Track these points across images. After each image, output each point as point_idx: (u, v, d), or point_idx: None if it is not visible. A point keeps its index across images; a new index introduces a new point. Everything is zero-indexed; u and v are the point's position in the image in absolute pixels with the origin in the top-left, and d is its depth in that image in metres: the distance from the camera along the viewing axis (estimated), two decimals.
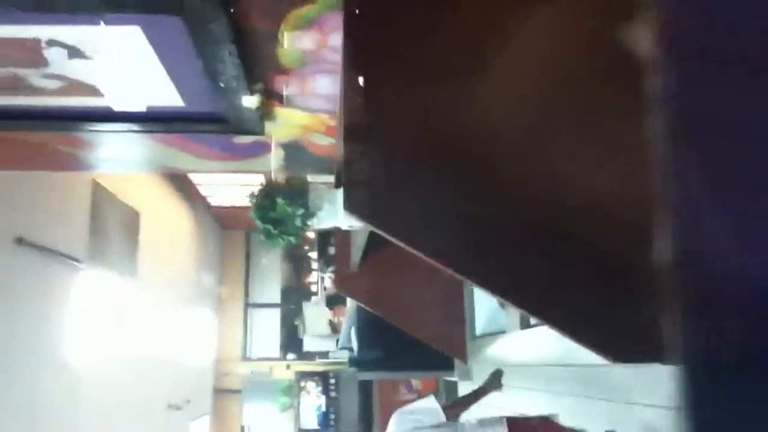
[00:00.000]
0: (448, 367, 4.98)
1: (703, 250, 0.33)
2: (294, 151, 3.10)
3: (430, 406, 3.63)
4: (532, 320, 3.34)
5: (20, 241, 4.60)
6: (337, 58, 2.12)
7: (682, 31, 0.33)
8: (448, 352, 4.74)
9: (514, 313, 3.68)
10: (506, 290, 1.66)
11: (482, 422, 3.46)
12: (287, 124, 2.82)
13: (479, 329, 4.48)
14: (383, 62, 1.75)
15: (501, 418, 3.57)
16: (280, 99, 2.60)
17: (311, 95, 2.56)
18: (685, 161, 0.33)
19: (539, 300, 1.62)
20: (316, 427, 8.23)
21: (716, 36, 0.33)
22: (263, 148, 3.04)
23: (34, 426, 4.82)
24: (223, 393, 11.44)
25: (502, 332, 3.99)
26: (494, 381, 3.90)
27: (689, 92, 0.33)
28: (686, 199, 0.33)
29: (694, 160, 0.33)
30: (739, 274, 0.33)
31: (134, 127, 2.85)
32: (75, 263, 5.55)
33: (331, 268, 7.54)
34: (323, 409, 9.01)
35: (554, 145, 1.62)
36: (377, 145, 1.70)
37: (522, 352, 3.76)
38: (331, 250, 8.70)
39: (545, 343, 3.21)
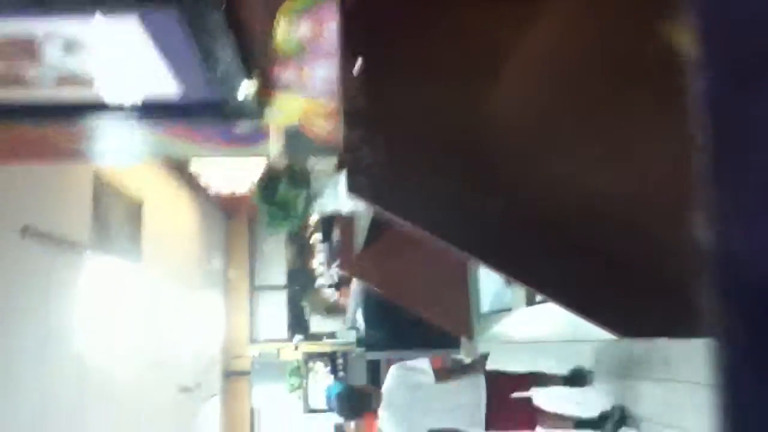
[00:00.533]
0: (455, 345, 5.01)
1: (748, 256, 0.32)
2: (294, 137, 3.09)
3: (424, 367, 3.98)
4: (538, 297, 3.36)
5: (26, 229, 4.63)
6: (335, 43, 2.11)
7: (725, 30, 0.33)
8: (453, 331, 4.77)
9: (519, 291, 3.69)
10: (511, 267, 1.66)
11: (467, 380, 3.80)
12: (286, 109, 2.80)
13: (485, 307, 4.50)
14: (381, 42, 1.74)
15: (480, 375, 3.89)
16: (278, 86, 2.59)
17: (309, 80, 2.55)
18: (730, 167, 0.33)
19: (545, 276, 1.63)
20: (324, 407, 8.29)
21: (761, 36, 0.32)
22: (263, 135, 3.03)
23: (43, 412, 4.88)
24: (232, 375, 11.55)
25: (508, 310, 4.00)
26: (481, 362, 4.21)
27: (732, 95, 0.33)
28: (732, 206, 0.32)
29: (739, 166, 0.33)
30: None
31: (131, 117, 2.84)
32: (80, 251, 5.58)
33: (336, 263, 7.52)
34: (334, 390, 9.05)
35: (569, 123, 1.62)
36: (378, 128, 1.70)
37: (528, 328, 3.78)
38: (335, 236, 8.70)
39: (551, 319, 3.23)
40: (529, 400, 4.20)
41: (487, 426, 3.88)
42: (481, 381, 4.00)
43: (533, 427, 4.13)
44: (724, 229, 0.32)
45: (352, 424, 4.13)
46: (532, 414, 4.13)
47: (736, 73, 0.31)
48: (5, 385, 4.42)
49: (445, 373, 4.10)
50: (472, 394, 3.91)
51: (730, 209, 0.32)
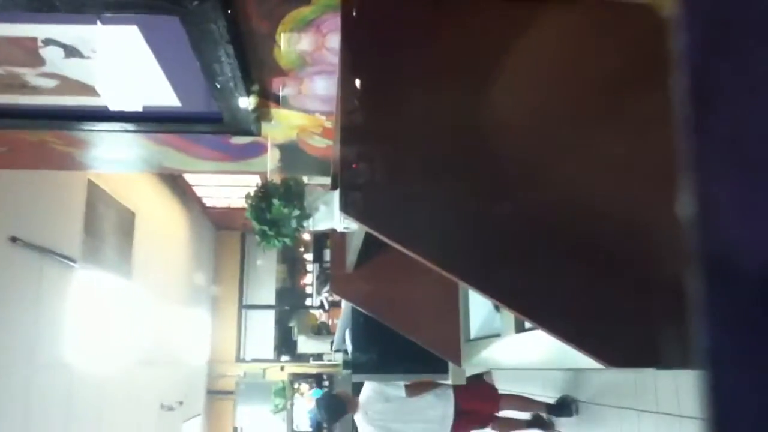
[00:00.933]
0: (443, 370, 4.97)
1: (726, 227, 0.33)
2: (290, 152, 3.10)
3: (396, 383, 4.28)
4: (527, 324, 3.34)
5: (14, 240, 4.59)
6: (335, 59, 2.12)
7: None
8: (442, 355, 4.73)
9: (509, 317, 3.68)
10: (501, 293, 1.66)
11: (436, 394, 4.16)
12: (284, 125, 2.82)
13: (474, 332, 4.48)
14: (381, 64, 1.75)
15: (449, 386, 4.21)
16: (276, 100, 2.60)
17: (308, 96, 2.57)
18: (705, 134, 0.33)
19: (535, 304, 1.63)
20: (308, 429, 8.21)
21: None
22: (259, 149, 3.04)
23: (27, 423, 4.80)
24: (216, 394, 11.43)
25: (497, 335, 3.98)
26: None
27: (712, 55, 0.33)
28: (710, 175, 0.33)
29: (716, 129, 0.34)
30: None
31: (130, 126, 2.85)
32: (69, 263, 5.54)
33: (326, 289, 7.67)
34: (317, 415, 8.98)
35: (558, 149, 1.63)
36: (374, 146, 1.70)
37: (517, 355, 3.76)
38: (327, 254, 8.72)
39: (540, 346, 3.22)
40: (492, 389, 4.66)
41: None
42: (449, 394, 4.33)
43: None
44: (703, 197, 0.33)
45: None
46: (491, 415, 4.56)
47: (715, 34, 0.32)
48: None
49: (416, 387, 4.38)
50: (441, 407, 4.30)
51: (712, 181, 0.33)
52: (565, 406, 4.38)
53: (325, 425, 7.68)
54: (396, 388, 4.35)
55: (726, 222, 0.32)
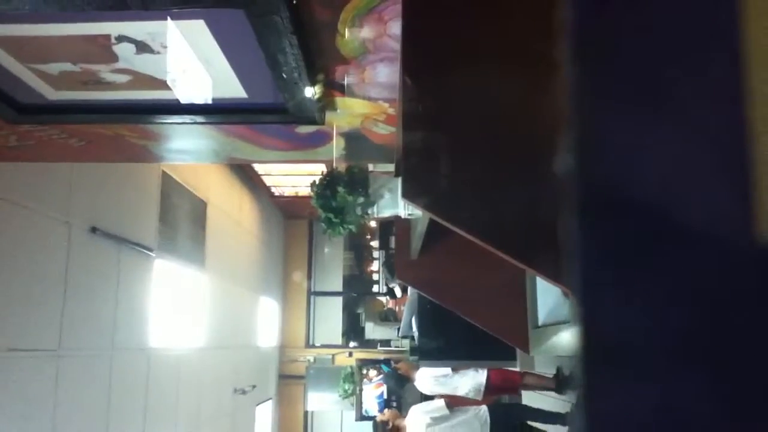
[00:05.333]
0: (510, 356, 4.93)
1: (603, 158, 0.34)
2: (354, 140, 3.12)
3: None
4: None
5: (94, 230, 4.80)
6: (397, 46, 2.12)
7: None
8: (509, 342, 4.69)
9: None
10: (565, 278, 1.63)
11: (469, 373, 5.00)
12: (348, 113, 2.84)
13: (542, 319, 4.42)
14: (443, 50, 1.74)
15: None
16: (340, 88, 2.62)
17: (371, 84, 2.57)
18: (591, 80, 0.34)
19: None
20: (377, 413, 8.31)
21: None
22: (325, 138, 3.07)
23: (109, 404, 5.05)
24: (287, 379, 11.69)
25: (566, 322, 3.92)
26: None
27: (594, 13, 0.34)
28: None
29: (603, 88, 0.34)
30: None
31: (200, 118, 2.93)
32: (146, 252, 5.76)
33: (396, 282, 7.92)
34: (384, 396, 9.08)
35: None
36: (436, 133, 1.70)
37: None
38: (393, 241, 8.76)
39: None
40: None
41: None
42: (484, 372, 5.12)
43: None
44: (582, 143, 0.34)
45: (387, 411, 5.07)
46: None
47: None
48: (82, 365, 4.62)
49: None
50: (477, 378, 5.11)
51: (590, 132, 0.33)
52: (562, 378, 4.92)
53: (393, 396, 8.42)
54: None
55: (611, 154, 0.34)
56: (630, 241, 0.33)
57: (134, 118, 3.00)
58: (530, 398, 5.87)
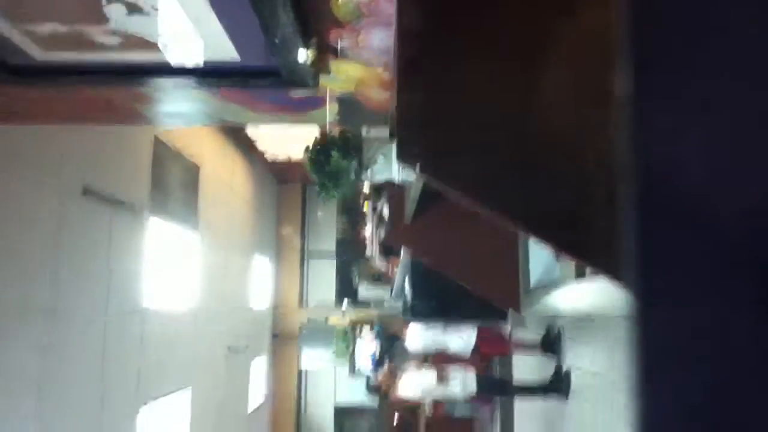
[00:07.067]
0: (502, 316, 5.01)
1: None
2: (349, 104, 3.11)
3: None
4: (588, 271, 3.32)
5: (86, 192, 4.79)
6: (392, 9, 2.11)
7: None
8: (501, 304, 4.76)
9: (569, 264, 3.66)
10: (561, 241, 1.65)
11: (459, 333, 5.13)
12: (342, 77, 2.82)
13: (534, 281, 4.48)
14: (437, 14, 1.73)
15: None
16: (334, 52, 2.60)
17: (366, 48, 2.56)
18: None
19: (596, 251, 1.62)
20: (370, 371, 8.45)
21: None
22: (318, 102, 3.06)
23: (103, 365, 5.11)
24: (281, 338, 11.83)
25: (557, 283, 3.98)
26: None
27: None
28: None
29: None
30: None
31: (192, 81, 2.91)
32: (140, 214, 5.76)
33: (385, 234, 7.96)
34: (377, 354, 9.22)
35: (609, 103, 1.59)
36: (430, 97, 1.70)
37: (577, 302, 3.76)
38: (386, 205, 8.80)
39: (601, 293, 3.20)
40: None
41: None
42: (473, 332, 5.30)
43: None
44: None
45: (380, 372, 5.25)
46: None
47: None
48: (75, 324, 4.67)
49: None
50: (466, 337, 5.30)
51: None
52: (551, 338, 5.00)
53: (386, 354, 8.60)
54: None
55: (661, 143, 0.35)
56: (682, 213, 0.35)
57: (126, 81, 2.98)
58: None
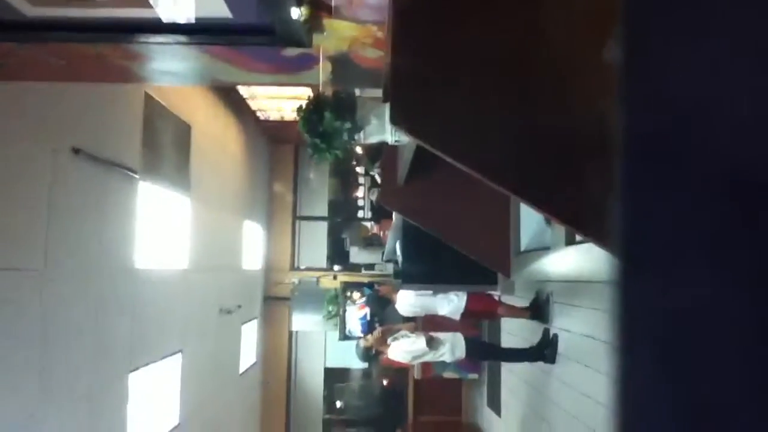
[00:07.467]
0: (492, 281, 5.05)
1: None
2: (342, 63, 3.08)
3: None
4: (578, 237, 3.35)
5: (77, 151, 4.75)
6: None
7: None
8: (491, 267, 4.80)
9: (559, 230, 3.68)
10: (552, 206, 1.66)
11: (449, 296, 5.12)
12: (335, 36, 2.79)
13: (524, 245, 4.51)
14: None
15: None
16: (328, 10, 2.57)
17: (360, 6, 2.52)
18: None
19: (585, 217, 1.63)
20: (360, 335, 8.54)
21: None
22: (311, 61, 3.03)
23: (97, 323, 5.14)
24: (272, 300, 11.90)
25: (547, 248, 4.01)
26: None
27: None
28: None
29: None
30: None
31: (183, 38, 2.87)
32: (131, 174, 5.73)
33: (377, 169, 7.85)
34: (368, 317, 9.32)
35: (596, 68, 1.58)
36: (426, 58, 1.68)
37: (566, 266, 3.79)
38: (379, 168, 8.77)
39: (590, 258, 3.23)
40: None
41: None
42: (463, 295, 5.19)
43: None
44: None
45: (370, 336, 5.27)
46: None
47: None
48: (69, 285, 4.68)
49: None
50: (456, 301, 5.21)
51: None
52: (540, 302, 4.98)
53: (376, 317, 8.72)
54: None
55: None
56: (671, 142, 0.35)
57: (116, 37, 2.93)
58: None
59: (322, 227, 12.72)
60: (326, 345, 12.07)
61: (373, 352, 5.18)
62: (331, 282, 11.63)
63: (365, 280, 11.16)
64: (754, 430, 0.33)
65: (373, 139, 2.53)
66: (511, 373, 6.56)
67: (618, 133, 0.37)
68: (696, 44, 0.35)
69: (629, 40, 0.36)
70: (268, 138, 11.83)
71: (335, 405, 13.04)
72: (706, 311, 0.34)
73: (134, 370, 5.87)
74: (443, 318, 5.47)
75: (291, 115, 9.67)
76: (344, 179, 13.51)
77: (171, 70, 3.48)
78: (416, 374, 8.81)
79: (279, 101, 9.77)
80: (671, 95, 0.35)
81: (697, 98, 0.35)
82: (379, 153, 6.30)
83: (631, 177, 0.37)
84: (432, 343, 5.06)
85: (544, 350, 4.92)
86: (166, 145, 6.88)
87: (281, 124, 10.69)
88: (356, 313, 9.88)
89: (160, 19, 2.78)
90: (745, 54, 0.34)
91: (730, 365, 0.34)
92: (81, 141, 4.83)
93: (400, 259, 5.39)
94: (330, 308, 10.81)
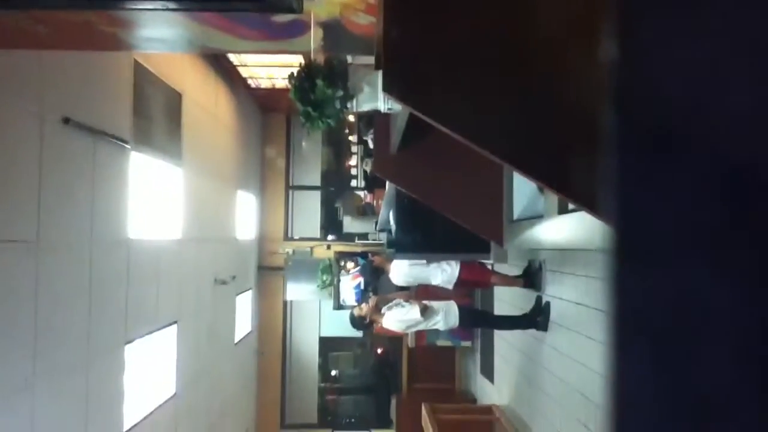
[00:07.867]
0: (484, 249, 5.06)
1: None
2: (333, 30, 3.04)
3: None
4: (570, 205, 3.35)
5: (66, 121, 4.69)
6: None
7: None
8: (484, 236, 4.81)
9: (552, 198, 3.68)
10: (545, 175, 1.65)
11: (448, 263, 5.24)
12: (326, 1, 2.74)
13: (517, 213, 4.51)
14: None
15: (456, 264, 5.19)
16: None
17: None
18: None
19: (578, 186, 1.62)
20: (354, 304, 8.61)
21: None
22: (302, 28, 2.98)
23: (91, 294, 5.14)
24: (266, 270, 11.93)
25: (540, 217, 4.01)
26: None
27: None
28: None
29: None
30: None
31: (171, 4, 2.81)
32: (121, 144, 5.68)
33: (371, 135, 7.83)
34: (361, 287, 9.36)
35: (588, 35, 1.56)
36: (419, 24, 1.66)
37: (558, 235, 3.80)
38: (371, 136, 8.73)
39: (582, 227, 3.24)
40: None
41: None
42: (456, 265, 5.30)
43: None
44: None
45: (364, 305, 5.32)
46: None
47: None
48: (62, 256, 4.67)
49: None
50: (450, 270, 5.32)
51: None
52: (532, 271, 5.11)
53: (370, 287, 8.77)
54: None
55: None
56: (665, 134, 0.35)
57: (102, 4, 2.87)
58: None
59: (316, 197, 12.69)
60: (321, 314, 12.14)
61: (367, 320, 5.22)
62: (324, 252, 11.66)
63: (359, 249, 11.20)
64: (753, 430, 0.33)
65: (366, 107, 2.51)
66: (503, 341, 6.63)
67: (617, 132, 0.36)
68: (695, 43, 0.34)
69: (627, 36, 0.35)
70: (259, 106, 11.73)
71: (330, 374, 13.18)
72: (704, 310, 0.34)
73: (130, 342, 5.89)
74: (436, 287, 5.50)
75: (282, 83, 9.57)
76: (337, 148, 13.45)
77: (159, 37, 3.42)
78: (410, 343, 8.90)
79: (270, 69, 9.66)
80: (670, 93, 0.35)
81: (697, 97, 0.34)
82: (372, 118, 6.27)
83: (631, 176, 0.36)
84: (426, 312, 5.10)
85: (537, 318, 4.95)
86: (157, 114, 6.81)
87: (272, 92, 10.59)
88: (350, 282, 9.93)
89: None
90: (744, 53, 0.34)
91: (729, 365, 0.34)
92: (70, 110, 4.77)
93: (393, 228, 5.40)
94: (324, 278, 10.85)
